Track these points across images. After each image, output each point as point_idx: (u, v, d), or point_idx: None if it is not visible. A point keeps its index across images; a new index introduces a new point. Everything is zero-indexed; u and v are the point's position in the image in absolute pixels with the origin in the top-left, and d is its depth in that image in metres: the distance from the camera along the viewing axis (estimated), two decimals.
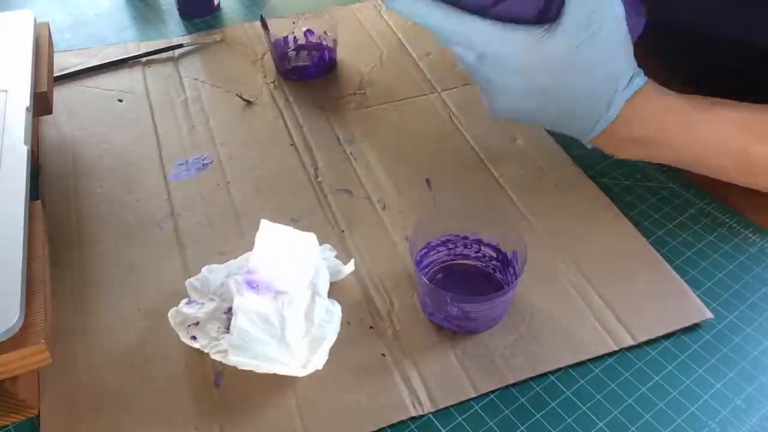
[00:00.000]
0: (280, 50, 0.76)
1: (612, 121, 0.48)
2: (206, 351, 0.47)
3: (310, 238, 0.51)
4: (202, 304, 0.49)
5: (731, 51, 0.58)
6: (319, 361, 0.46)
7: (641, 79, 0.48)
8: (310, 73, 0.76)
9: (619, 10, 0.45)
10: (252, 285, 0.46)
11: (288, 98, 0.73)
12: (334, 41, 0.76)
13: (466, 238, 0.52)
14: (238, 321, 0.45)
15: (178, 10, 0.88)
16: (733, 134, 0.48)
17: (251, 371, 0.45)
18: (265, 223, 0.51)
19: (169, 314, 0.48)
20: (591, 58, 0.45)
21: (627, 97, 0.47)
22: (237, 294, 0.46)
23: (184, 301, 0.49)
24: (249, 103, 0.73)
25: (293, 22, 0.77)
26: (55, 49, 0.71)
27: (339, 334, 0.49)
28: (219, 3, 0.89)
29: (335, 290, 0.52)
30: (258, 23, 0.85)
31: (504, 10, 0.45)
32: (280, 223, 0.51)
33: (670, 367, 0.48)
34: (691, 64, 0.64)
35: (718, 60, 0.61)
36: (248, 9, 0.89)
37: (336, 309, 0.49)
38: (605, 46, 0.45)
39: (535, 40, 0.44)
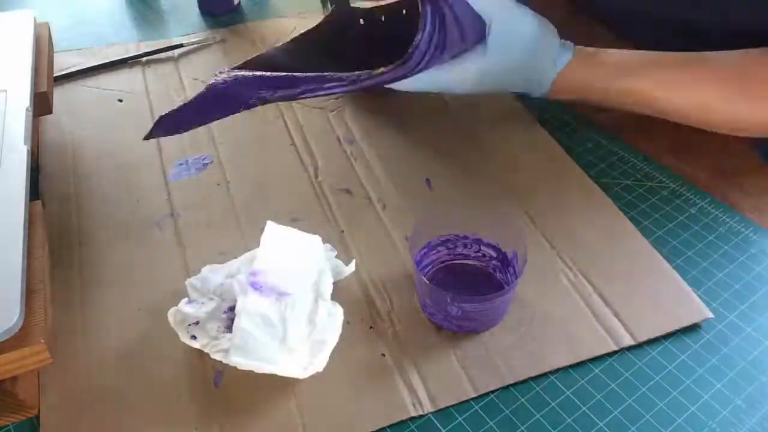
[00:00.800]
0: None
1: (546, 89, 0.60)
2: (206, 351, 0.47)
3: (315, 240, 0.51)
4: (202, 303, 0.49)
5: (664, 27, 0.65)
6: (320, 363, 0.46)
7: (565, 57, 0.58)
8: None
9: (528, 30, 0.56)
10: (256, 286, 0.46)
11: None
12: None
13: (466, 237, 0.52)
14: (241, 322, 0.45)
15: (199, 7, 0.88)
16: (648, 92, 0.58)
17: (251, 371, 0.45)
18: (270, 225, 0.51)
19: (169, 314, 0.48)
20: (515, 62, 0.57)
21: (553, 77, 0.59)
22: (240, 295, 0.46)
23: (184, 300, 0.49)
24: None
25: (297, 21, 0.76)
26: (55, 49, 0.71)
27: (339, 334, 0.49)
28: (239, 2, 0.89)
29: (335, 290, 0.52)
30: (259, 22, 0.85)
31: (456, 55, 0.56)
32: (280, 223, 0.51)
33: (670, 367, 0.48)
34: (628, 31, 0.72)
35: (655, 35, 0.66)
36: (249, 9, 0.89)
37: (338, 312, 0.49)
38: (523, 52, 0.57)
39: (472, 66, 0.56)
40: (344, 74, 0.53)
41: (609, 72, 0.58)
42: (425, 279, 0.48)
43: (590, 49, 0.59)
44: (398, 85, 0.56)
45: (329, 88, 0.53)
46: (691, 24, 0.61)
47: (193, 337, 0.47)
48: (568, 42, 0.59)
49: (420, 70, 0.54)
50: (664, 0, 0.63)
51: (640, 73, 0.58)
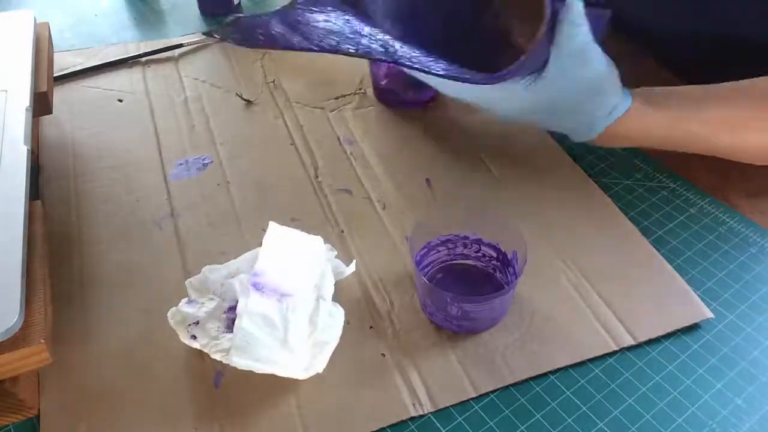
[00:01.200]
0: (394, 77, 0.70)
1: (595, 135, 0.54)
2: (206, 351, 0.47)
3: (317, 241, 0.51)
4: (202, 303, 0.49)
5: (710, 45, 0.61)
6: (320, 364, 0.46)
7: (624, 105, 0.52)
8: (412, 101, 0.71)
9: (596, 71, 0.50)
10: (257, 287, 0.46)
11: (288, 98, 0.73)
12: None
13: (466, 237, 0.52)
14: (243, 323, 0.45)
15: (199, 7, 0.88)
16: (711, 137, 0.53)
17: (251, 371, 0.45)
18: (273, 226, 0.50)
19: (169, 314, 0.48)
20: (571, 99, 0.52)
21: (607, 124, 0.53)
22: (242, 295, 0.46)
23: (184, 300, 0.49)
24: (249, 103, 0.73)
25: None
26: (55, 49, 0.71)
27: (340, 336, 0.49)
28: (240, 2, 0.89)
29: (335, 290, 0.52)
30: None
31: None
32: (280, 223, 0.51)
33: (670, 367, 0.48)
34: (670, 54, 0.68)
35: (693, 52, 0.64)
36: (250, 9, 0.89)
37: (339, 313, 0.49)
38: (581, 92, 0.51)
39: (522, 89, 0.51)
40: (437, 65, 0.49)
41: (668, 118, 0.53)
42: (425, 279, 0.48)
43: (647, 91, 0.54)
44: (443, 86, 0.53)
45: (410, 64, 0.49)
46: (729, 39, 0.59)
47: (193, 337, 0.47)
48: (626, 88, 0.53)
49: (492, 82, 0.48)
50: (703, 15, 0.60)
51: (700, 116, 0.53)
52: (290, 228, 0.51)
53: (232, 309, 0.48)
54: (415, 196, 0.61)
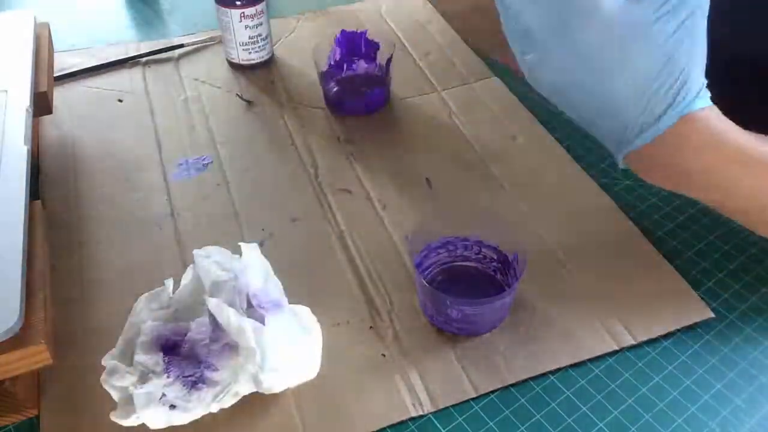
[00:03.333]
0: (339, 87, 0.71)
1: (656, 138, 0.41)
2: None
3: (251, 248, 0.48)
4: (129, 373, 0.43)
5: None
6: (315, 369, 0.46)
7: (705, 100, 0.40)
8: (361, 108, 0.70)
9: (705, 4, 0.39)
10: (263, 306, 0.44)
11: (288, 98, 0.73)
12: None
13: (466, 239, 0.52)
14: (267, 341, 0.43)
15: None
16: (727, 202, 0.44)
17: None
18: (244, 246, 0.47)
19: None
20: (661, 38, 0.39)
21: (685, 111, 0.40)
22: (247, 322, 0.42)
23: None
24: (249, 103, 0.73)
25: (297, 21, 0.76)
26: (55, 49, 0.71)
27: (339, 334, 0.49)
28: None
29: (333, 290, 0.52)
30: None
31: None
32: (280, 223, 0.51)
33: (670, 368, 0.48)
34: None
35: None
36: None
37: (304, 311, 0.47)
38: (679, 35, 0.39)
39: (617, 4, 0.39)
40: None
41: (749, 141, 0.41)
42: (425, 282, 0.48)
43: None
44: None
45: None
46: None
47: (173, 407, 0.42)
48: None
49: None
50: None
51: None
52: (218, 247, 0.47)
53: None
54: (415, 196, 0.61)
